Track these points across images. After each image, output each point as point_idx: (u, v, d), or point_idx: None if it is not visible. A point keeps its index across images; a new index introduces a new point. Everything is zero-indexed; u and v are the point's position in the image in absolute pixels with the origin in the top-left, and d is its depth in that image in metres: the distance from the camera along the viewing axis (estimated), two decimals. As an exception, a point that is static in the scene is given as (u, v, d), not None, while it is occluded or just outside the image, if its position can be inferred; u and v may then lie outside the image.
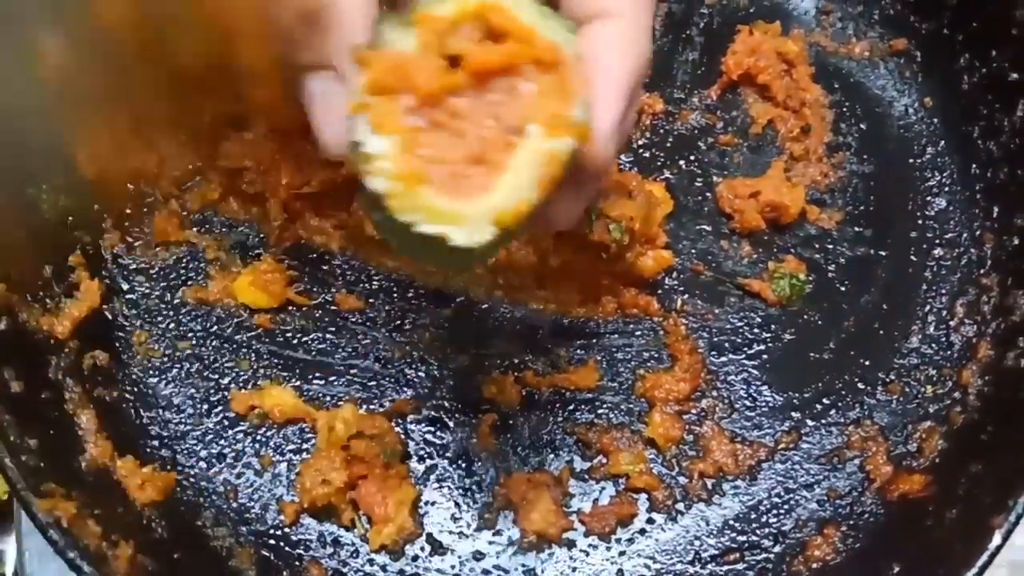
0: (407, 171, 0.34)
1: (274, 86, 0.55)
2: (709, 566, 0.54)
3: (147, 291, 0.58)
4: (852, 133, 0.62)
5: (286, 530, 0.55)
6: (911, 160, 0.61)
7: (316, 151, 0.56)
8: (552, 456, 0.56)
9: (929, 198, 0.61)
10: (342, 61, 0.38)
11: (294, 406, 0.56)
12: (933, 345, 0.58)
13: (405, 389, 0.57)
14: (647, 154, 0.61)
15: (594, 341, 0.58)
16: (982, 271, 0.58)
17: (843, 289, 0.59)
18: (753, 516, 0.55)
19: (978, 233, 0.59)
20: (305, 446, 0.56)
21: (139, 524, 0.52)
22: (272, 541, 0.54)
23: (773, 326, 0.58)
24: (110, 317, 0.57)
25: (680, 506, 0.55)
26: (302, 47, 0.39)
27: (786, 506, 0.55)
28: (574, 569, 0.54)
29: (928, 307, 0.59)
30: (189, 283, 0.59)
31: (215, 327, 0.58)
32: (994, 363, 0.55)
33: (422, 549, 0.54)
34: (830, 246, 0.60)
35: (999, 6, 0.57)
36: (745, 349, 0.58)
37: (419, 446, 0.56)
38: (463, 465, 0.56)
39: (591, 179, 0.39)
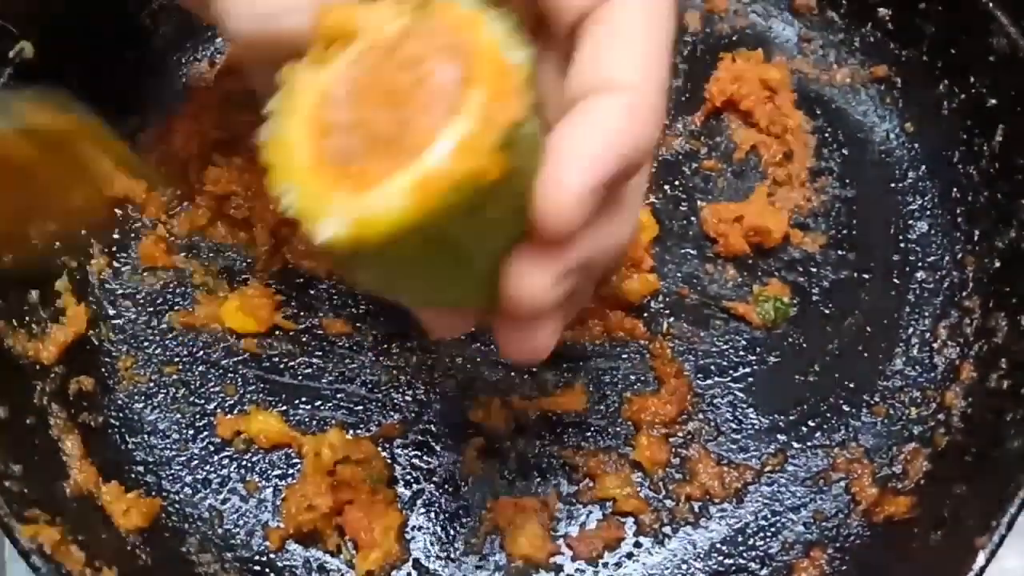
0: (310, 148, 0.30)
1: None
2: (696, 590, 0.54)
3: (134, 316, 0.58)
4: (834, 158, 0.63)
5: (271, 556, 0.54)
6: (893, 184, 0.62)
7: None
8: (539, 480, 0.56)
9: (911, 222, 0.61)
10: None
11: (280, 431, 0.56)
12: (917, 367, 0.58)
13: (392, 413, 0.57)
14: (632, 179, 0.62)
15: (581, 364, 0.58)
16: (964, 293, 0.59)
17: (827, 312, 0.59)
18: (740, 539, 0.55)
19: (960, 256, 0.60)
20: (291, 471, 0.56)
21: (123, 550, 0.51)
22: (257, 567, 0.54)
23: (758, 349, 0.59)
24: (96, 342, 0.57)
25: (667, 529, 0.55)
26: None
27: (772, 529, 0.55)
28: (561, 594, 0.54)
29: (911, 329, 0.59)
30: (176, 308, 0.59)
31: (201, 352, 0.58)
32: (977, 385, 0.56)
33: (408, 575, 0.54)
34: (814, 269, 0.60)
35: (977, 34, 0.58)
36: (731, 372, 0.58)
37: (406, 471, 0.56)
38: (450, 490, 0.56)
39: (558, 258, 0.31)
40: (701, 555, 0.55)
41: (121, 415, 0.57)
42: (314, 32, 0.31)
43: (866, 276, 0.60)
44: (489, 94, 0.28)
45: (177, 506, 0.55)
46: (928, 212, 0.61)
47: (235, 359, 0.58)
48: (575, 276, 0.32)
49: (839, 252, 0.61)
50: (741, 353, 0.59)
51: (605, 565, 0.54)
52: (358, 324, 0.59)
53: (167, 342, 0.58)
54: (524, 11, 0.37)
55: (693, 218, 0.61)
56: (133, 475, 0.55)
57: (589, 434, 0.57)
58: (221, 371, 0.58)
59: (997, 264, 0.58)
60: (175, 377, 0.57)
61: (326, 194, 0.29)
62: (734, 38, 0.65)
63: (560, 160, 0.30)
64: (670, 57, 0.33)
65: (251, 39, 0.33)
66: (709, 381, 0.58)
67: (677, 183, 0.62)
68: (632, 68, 0.32)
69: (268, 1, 0.32)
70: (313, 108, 0.31)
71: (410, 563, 0.54)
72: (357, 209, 0.28)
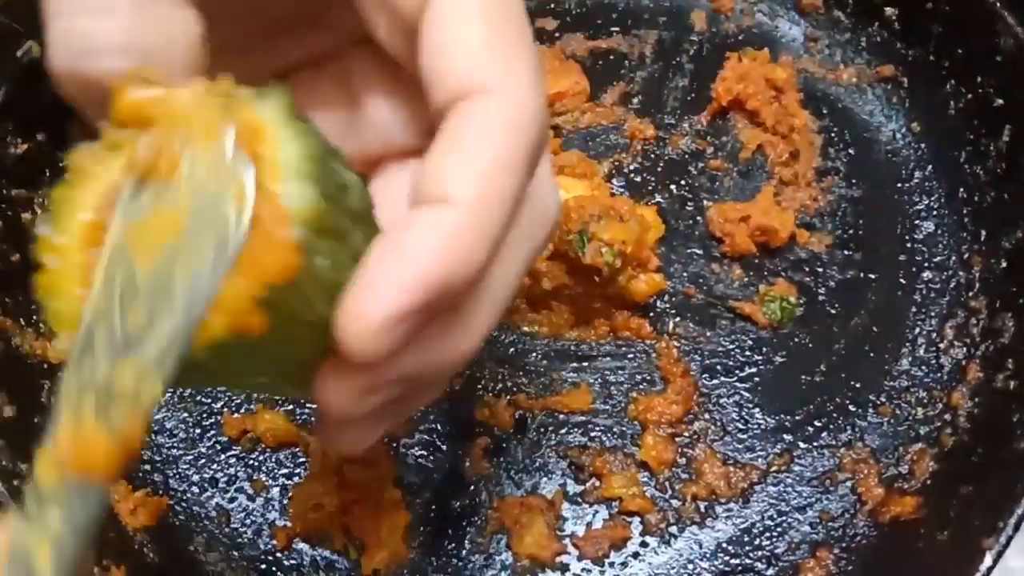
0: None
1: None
2: (702, 589, 0.54)
3: (140, 315, 0.58)
4: (840, 158, 0.63)
5: (278, 555, 0.54)
6: (899, 184, 0.62)
7: None
8: (545, 479, 0.56)
9: (917, 222, 0.61)
10: None
11: (287, 430, 0.56)
12: (923, 367, 0.58)
13: (398, 413, 0.57)
14: (638, 178, 0.62)
15: (586, 364, 0.58)
16: (971, 294, 0.59)
17: (833, 312, 0.59)
18: (746, 539, 0.55)
19: (966, 256, 0.60)
20: (298, 470, 0.56)
21: (131, 549, 0.52)
22: (264, 566, 0.54)
23: (764, 349, 0.59)
24: (103, 341, 0.57)
25: (673, 529, 0.55)
26: None
27: (779, 529, 0.55)
28: (567, 593, 0.54)
29: (918, 330, 0.59)
30: (183, 307, 0.59)
31: (208, 351, 0.58)
32: (983, 385, 0.56)
33: (414, 574, 0.54)
34: (820, 269, 0.60)
35: (984, 34, 0.58)
36: (737, 372, 0.58)
37: (412, 470, 0.56)
38: (455, 489, 0.56)
39: (364, 376, 0.29)
40: (707, 555, 0.55)
41: (128, 414, 0.57)
42: (111, 112, 0.28)
43: (872, 276, 0.60)
44: (257, 247, 0.26)
45: (184, 505, 0.55)
46: (935, 212, 0.61)
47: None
48: (395, 388, 0.30)
49: (845, 252, 0.61)
50: (747, 353, 0.59)
51: (611, 565, 0.55)
52: (364, 323, 0.59)
53: (174, 341, 0.58)
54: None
55: (699, 218, 0.61)
56: (140, 474, 0.55)
57: (595, 434, 0.57)
58: (228, 370, 0.58)
59: (1004, 264, 0.58)
60: (182, 376, 0.58)
61: (77, 312, 0.27)
62: (740, 37, 0.65)
63: (363, 287, 0.27)
64: (522, 173, 0.29)
65: (64, 76, 0.29)
66: (715, 381, 0.58)
67: (683, 183, 0.62)
68: (466, 183, 0.28)
69: (81, 39, 0.29)
70: (94, 208, 0.28)
71: (416, 562, 0.54)
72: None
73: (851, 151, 0.63)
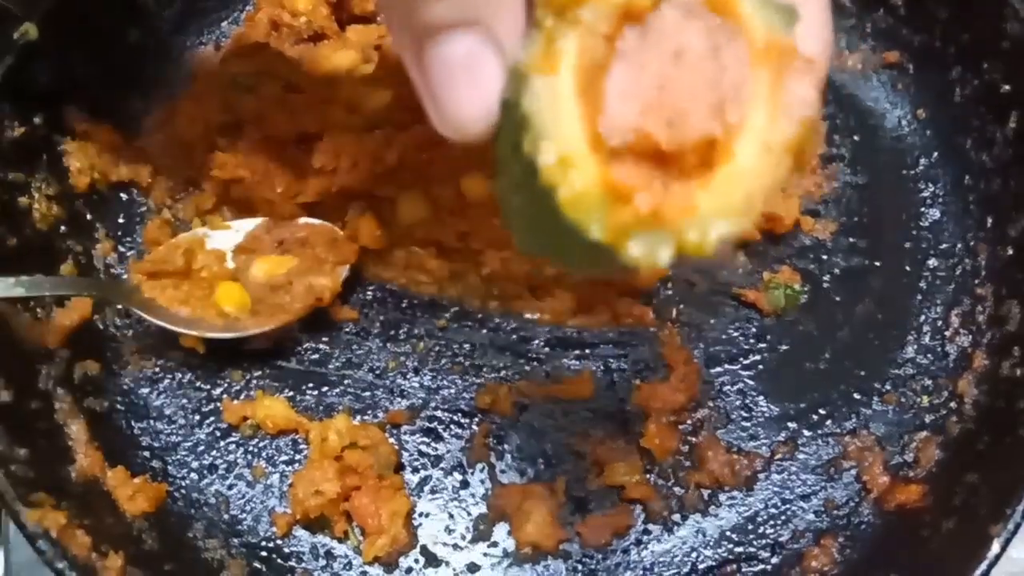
0: (605, 179, 0.29)
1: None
2: (706, 578, 0.54)
3: (139, 301, 0.58)
4: (845, 145, 0.62)
5: (278, 542, 0.54)
6: (904, 171, 0.62)
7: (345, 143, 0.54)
8: (547, 467, 0.55)
9: (923, 209, 0.61)
10: (498, 16, 0.31)
11: (287, 417, 0.56)
12: (928, 355, 0.58)
13: (399, 399, 0.57)
14: (642, 165, 0.62)
15: (589, 351, 0.58)
16: (976, 281, 0.58)
17: (838, 299, 0.59)
18: (750, 527, 0.54)
19: (972, 243, 0.59)
20: (298, 457, 0.55)
21: (129, 535, 0.51)
22: (264, 553, 0.54)
23: (768, 336, 0.58)
24: (101, 327, 0.57)
25: (676, 517, 0.55)
26: None
27: (783, 517, 0.55)
28: (570, 581, 0.54)
29: (923, 317, 0.59)
30: (182, 293, 0.58)
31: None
32: (989, 373, 0.55)
33: (416, 561, 0.54)
34: (824, 257, 0.60)
35: (990, 19, 0.57)
36: (741, 359, 0.58)
37: (413, 457, 0.56)
38: (457, 476, 0.55)
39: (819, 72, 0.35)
40: (711, 543, 0.54)
41: (127, 400, 0.56)
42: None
43: (877, 263, 0.60)
44: (785, 96, 0.30)
45: (183, 491, 0.55)
46: (940, 199, 0.61)
47: (241, 344, 0.57)
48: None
49: (850, 239, 0.60)
50: (751, 340, 0.58)
51: (613, 552, 0.54)
52: (365, 310, 0.58)
53: (173, 327, 0.58)
54: None
55: (703, 204, 0.61)
56: (139, 460, 0.55)
57: (597, 421, 0.56)
58: (227, 356, 0.57)
59: (1010, 251, 0.57)
60: (181, 362, 0.57)
61: (627, 208, 0.28)
62: (745, 23, 0.65)
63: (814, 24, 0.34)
64: None
65: None
66: (719, 368, 0.57)
67: (687, 169, 0.61)
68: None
69: None
70: (580, 79, 0.29)
71: (417, 549, 0.54)
72: (678, 237, 0.29)
73: (856, 138, 0.62)
